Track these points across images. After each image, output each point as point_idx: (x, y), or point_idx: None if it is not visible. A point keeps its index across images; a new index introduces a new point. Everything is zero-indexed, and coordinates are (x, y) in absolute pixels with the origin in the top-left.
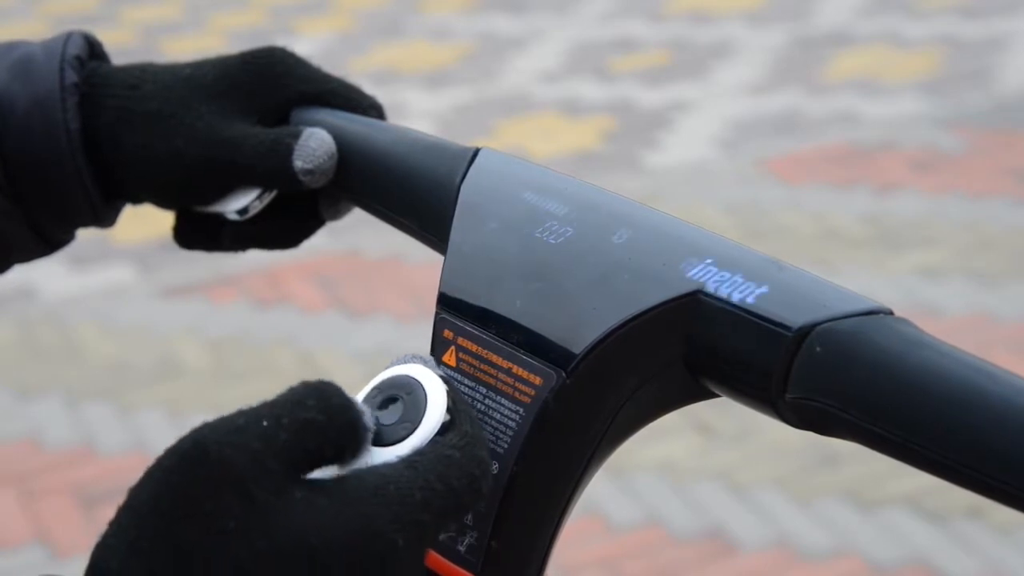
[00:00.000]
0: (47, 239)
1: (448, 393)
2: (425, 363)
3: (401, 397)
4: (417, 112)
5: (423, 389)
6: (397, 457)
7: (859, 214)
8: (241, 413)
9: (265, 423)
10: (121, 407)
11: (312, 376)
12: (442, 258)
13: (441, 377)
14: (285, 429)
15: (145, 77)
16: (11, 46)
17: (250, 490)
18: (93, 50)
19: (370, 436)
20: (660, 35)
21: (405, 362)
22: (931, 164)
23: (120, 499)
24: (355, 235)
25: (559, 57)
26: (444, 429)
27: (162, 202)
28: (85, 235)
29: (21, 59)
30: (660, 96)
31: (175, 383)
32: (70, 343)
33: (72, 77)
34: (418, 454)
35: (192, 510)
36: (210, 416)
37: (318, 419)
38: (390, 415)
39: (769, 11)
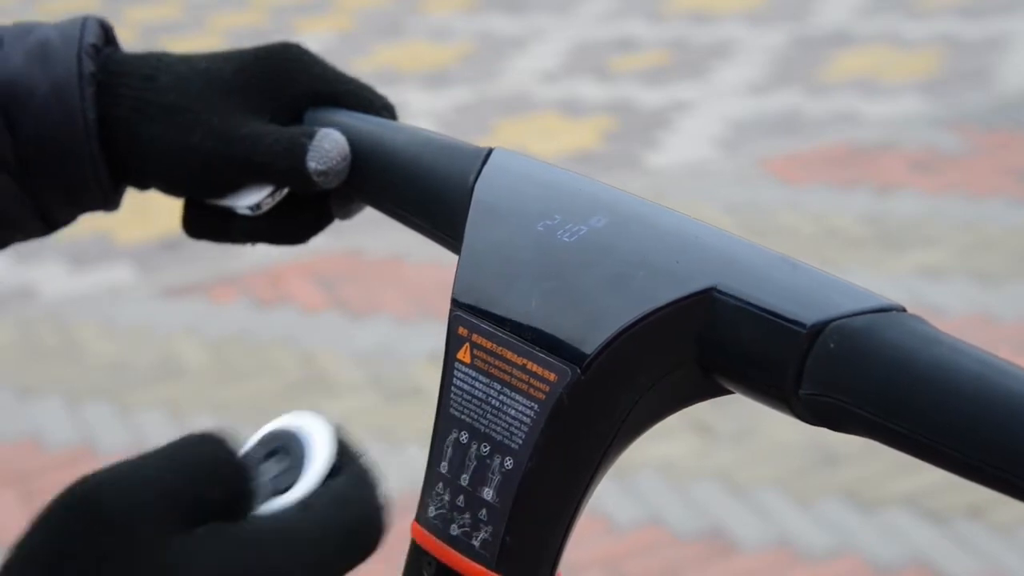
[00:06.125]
0: (49, 221)
1: (334, 436)
2: (309, 414)
3: (285, 447)
4: (417, 112)
5: (307, 435)
6: (289, 503)
7: (859, 214)
8: (126, 462)
9: (151, 471)
10: (121, 407)
11: (313, 377)
12: (445, 258)
13: (326, 422)
14: (174, 475)
15: (161, 68)
16: (26, 29)
17: (133, 535)
18: (107, 36)
19: (258, 491)
20: (660, 35)
21: (287, 415)
22: (931, 164)
23: None
24: (355, 235)
25: (559, 57)
26: (335, 472)
27: (172, 191)
28: (85, 235)
29: (38, 43)
30: (660, 96)
31: (175, 383)
32: (70, 343)
33: (90, 66)
34: (311, 496)
35: (72, 555)
36: (210, 416)
37: (204, 472)
38: (276, 466)
39: (769, 11)
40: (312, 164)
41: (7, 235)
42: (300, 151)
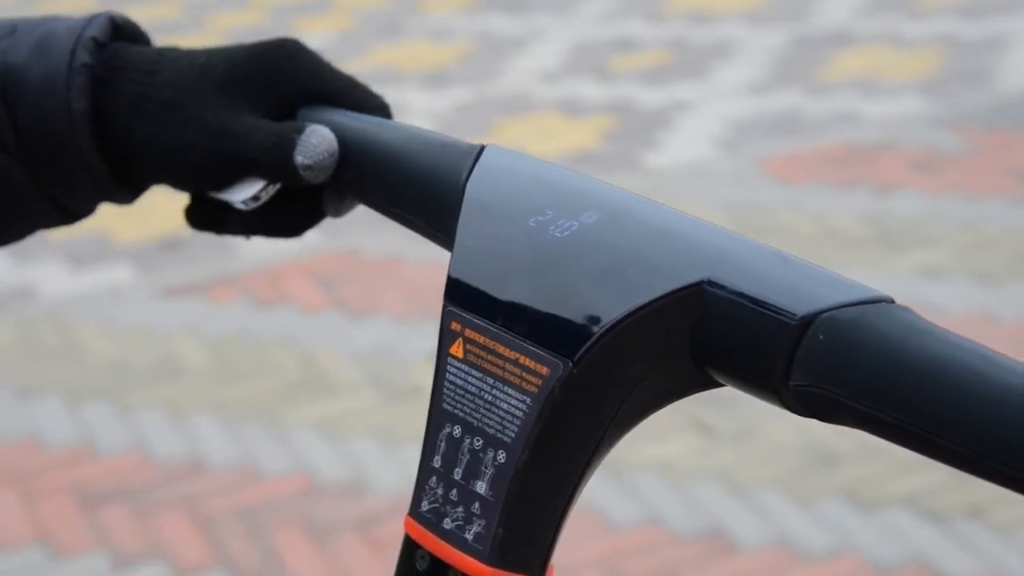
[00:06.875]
0: (63, 211)
1: None
2: None
3: None
4: (417, 112)
5: None
6: None
7: (859, 214)
8: None
9: None
10: (121, 407)
11: (313, 377)
12: (444, 259)
13: None
14: None
15: (162, 63)
16: (41, 22)
17: None
18: (118, 31)
19: None
20: (660, 35)
21: None
22: (931, 164)
23: (120, 499)
24: (355, 235)
25: (559, 57)
26: None
27: (176, 185)
28: (85, 235)
29: (44, 35)
30: (660, 96)
31: (175, 383)
32: (70, 343)
33: (84, 58)
34: None
35: None
36: (210, 416)
37: None
38: None
39: (769, 11)
40: (299, 159)
41: (29, 224)
42: (288, 146)
